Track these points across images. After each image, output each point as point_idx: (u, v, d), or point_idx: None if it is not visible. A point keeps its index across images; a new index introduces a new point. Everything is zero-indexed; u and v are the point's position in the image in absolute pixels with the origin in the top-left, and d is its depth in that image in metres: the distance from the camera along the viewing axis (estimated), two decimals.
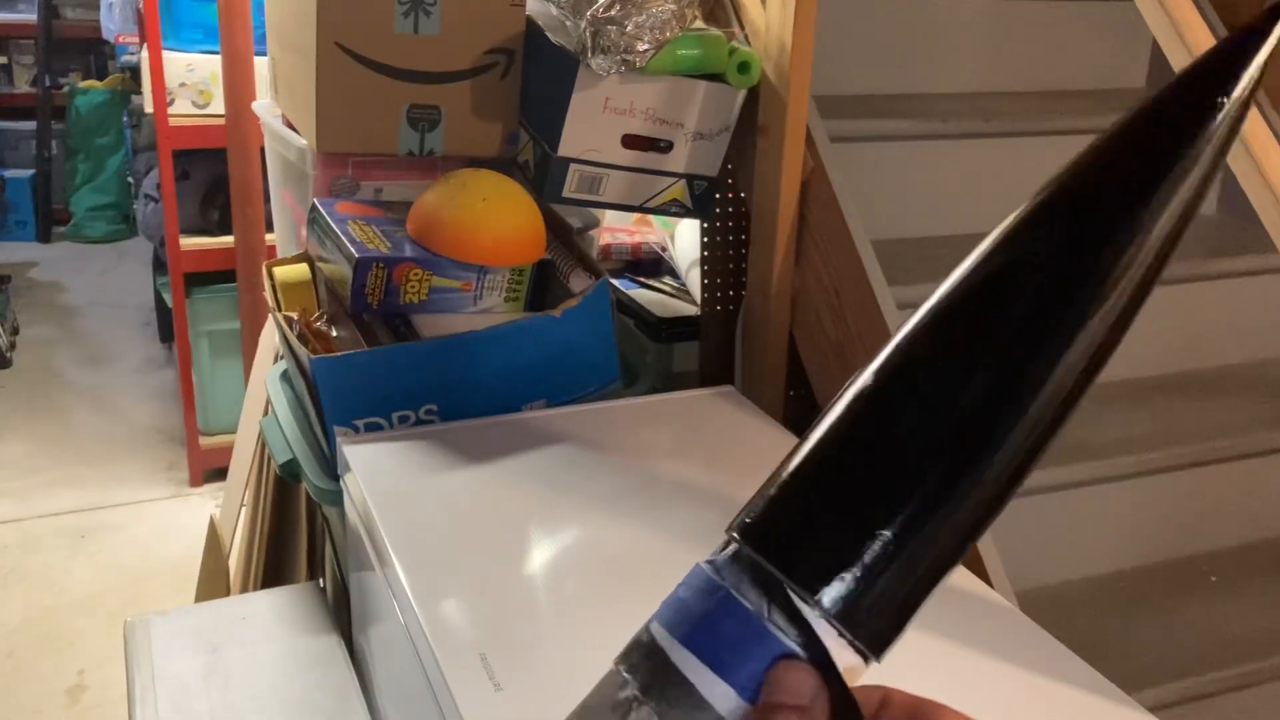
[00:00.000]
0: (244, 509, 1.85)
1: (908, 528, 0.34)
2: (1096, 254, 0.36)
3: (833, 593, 0.34)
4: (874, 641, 0.35)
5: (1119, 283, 0.35)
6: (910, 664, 0.87)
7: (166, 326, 3.61)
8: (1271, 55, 0.35)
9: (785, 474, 0.36)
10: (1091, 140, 0.37)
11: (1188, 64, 0.36)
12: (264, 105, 1.85)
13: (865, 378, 0.37)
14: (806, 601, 0.34)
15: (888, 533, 0.34)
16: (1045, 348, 0.35)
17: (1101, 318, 0.35)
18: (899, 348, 0.37)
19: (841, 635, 0.35)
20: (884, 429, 0.35)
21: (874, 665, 0.36)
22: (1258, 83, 0.35)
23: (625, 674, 0.37)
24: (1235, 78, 0.35)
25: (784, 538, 0.35)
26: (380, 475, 1.12)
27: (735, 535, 0.36)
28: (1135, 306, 0.36)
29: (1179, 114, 0.36)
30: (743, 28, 1.47)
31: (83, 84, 4.90)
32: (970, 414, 0.35)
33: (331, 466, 1.24)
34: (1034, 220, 0.39)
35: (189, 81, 2.71)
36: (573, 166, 1.41)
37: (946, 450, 0.35)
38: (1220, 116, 0.35)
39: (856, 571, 0.34)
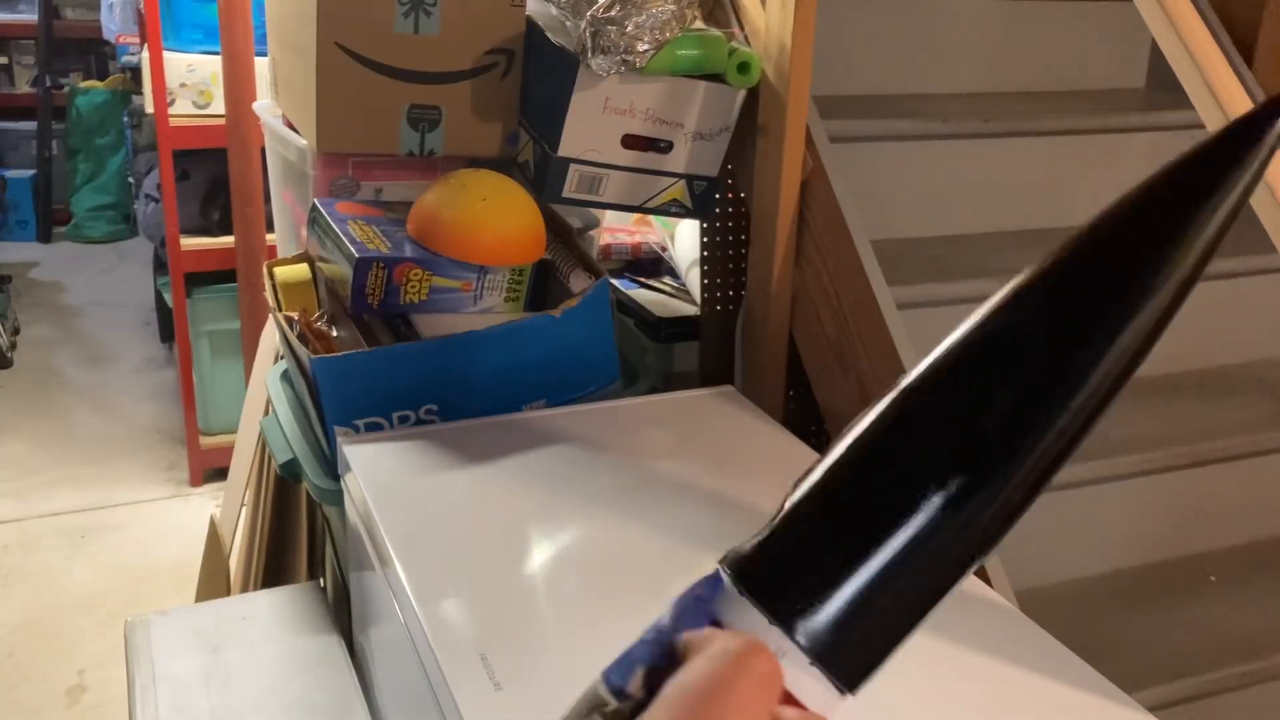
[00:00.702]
0: (244, 509, 1.85)
1: (888, 571, 0.36)
2: (1096, 325, 0.37)
3: (808, 628, 0.36)
4: (848, 677, 0.37)
5: (1120, 346, 0.37)
6: (910, 664, 0.87)
7: (167, 326, 3.61)
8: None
9: (780, 512, 0.39)
10: (1107, 206, 0.38)
11: (1208, 137, 0.37)
12: (264, 105, 1.85)
13: (864, 421, 0.38)
14: (781, 629, 0.36)
15: (867, 574, 0.36)
16: (1046, 404, 0.36)
17: (1099, 380, 0.37)
18: (895, 400, 0.38)
19: (815, 665, 0.36)
20: (874, 470, 0.37)
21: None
22: (1265, 164, 0.37)
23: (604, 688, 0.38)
24: (1260, 142, 0.36)
25: (766, 572, 0.37)
26: (380, 475, 1.12)
27: (722, 565, 0.38)
28: (1134, 366, 0.38)
29: (1178, 195, 0.38)
30: (743, 28, 1.47)
31: (83, 84, 4.90)
32: (964, 459, 0.36)
33: (332, 466, 1.24)
34: (1034, 285, 0.40)
35: (189, 82, 2.71)
36: (573, 166, 1.41)
37: (935, 491, 0.36)
38: (1222, 203, 0.37)
39: (831, 610, 0.36)
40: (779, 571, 0.37)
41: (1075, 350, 0.37)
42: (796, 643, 0.36)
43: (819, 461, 0.39)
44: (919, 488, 0.36)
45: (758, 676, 0.34)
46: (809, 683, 0.36)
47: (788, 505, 0.39)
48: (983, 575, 1.17)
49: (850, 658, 0.37)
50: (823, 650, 0.36)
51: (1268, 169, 0.37)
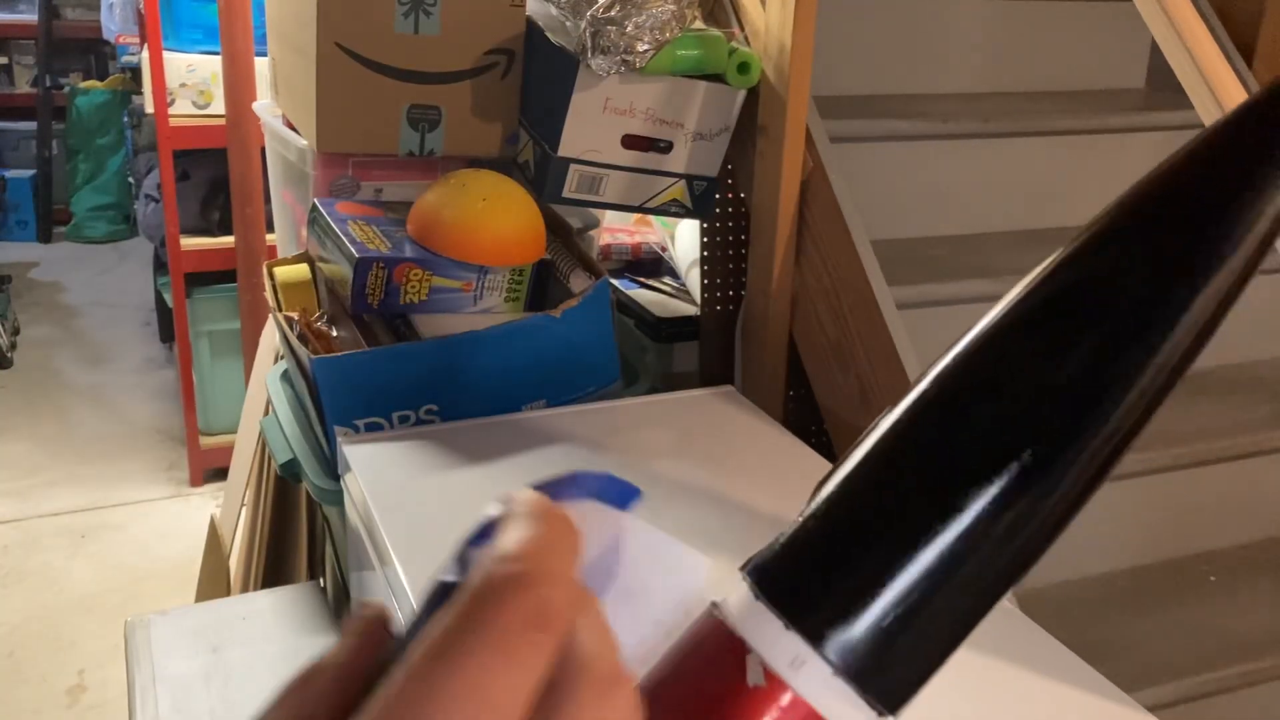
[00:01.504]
0: (244, 509, 1.85)
1: (933, 578, 0.32)
2: (1183, 268, 0.32)
3: (839, 645, 0.32)
4: (888, 698, 0.33)
5: (1198, 298, 0.32)
6: None
7: (167, 326, 3.61)
8: None
9: (807, 511, 0.34)
10: (1182, 146, 0.34)
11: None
12: (264, 105, 1.85)
13: (899, 410, 0.34)
14: (817, 654, 0.32)
15: (909, 583, 0.32)
16: (1109, 391, 0.32)
17: (1189, 321, 0.32)
18: (935, 382, 0.33)
19: (851, 688, 0.32)
20: (912, 467, 0.33)
21: None
22: None
23: None
24: None
25: (796, 583, 0.33)
26: (380, 475, 1.12)
27: (752, 581, 0.34)
28: (1213, 327, 0.33)
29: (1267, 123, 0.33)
30: (743, 28, 1.47)
31: (83, 84, 4.90)
32: (1019, 447, 0.32)
33: (332, 466, 1.24)
34: (1096, 244, 0.34)
35: (189, 82, 2.71)
36: (573, 166, 1.41)
37: (982, 496, 0.32)
38: None
39: (869, 621, 0.32)
40: (807, 579, 0.32)
41: (1156, 307, 0.32)
42: (828, 661, 0.32)
43: (853, 451, 0.34)
44: (972, 476, 0.32)
45: (520, 621, 0.27)
46: (840, 706, 0.32)
47: (817, 503, 0.34)
48: None
49: (890, 676, 0.33)
50: (859, 668, 0.32)
51: None
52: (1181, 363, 0.32)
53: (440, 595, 0.29)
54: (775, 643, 0.32)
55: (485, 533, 0.30)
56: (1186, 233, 0.33)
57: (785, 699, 0.32)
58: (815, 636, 0.32)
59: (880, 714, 0.33)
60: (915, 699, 0.35)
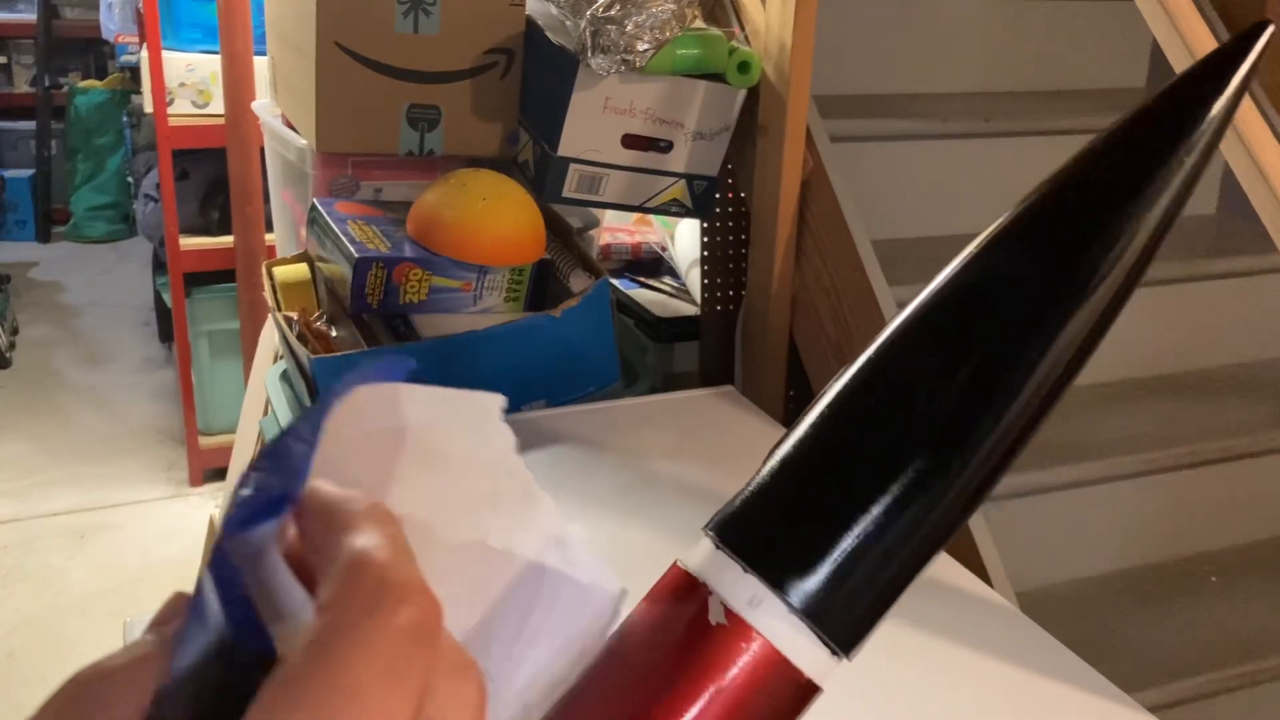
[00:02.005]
0: None
1: (880, 527, 0.35)
2: (1079, 258, 0.37)
3: (801, 589, 0.35)
4: (844, 638, 0.36)
5: (1099, 287, 0.36)
6: (911, 664, 0.87)
7: (166, 326, 3.61)
8: (1254, 67, 0.37)
9: (762, 471, 0.38)
10: (1083, 145, 0.39)
11: (1177, 76, 0.38)
12: (264, 105, 1.85)
13: (846, 376, 0.37)
14: (778, 598, 0.35)
15: (859, 530, 0.35)
16: (1024, 354, 0.35)
17: (1081, 322, 0.36)
18: (880, 349, 0.37)
19: (810, 630, 0.35)
20: (861, 427, 0.36)
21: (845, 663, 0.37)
22: (1240, 95, 0.37)
23: None
24: (1219, 91, 0.37)
25: (754, 533, 0.36)
26: None
27: (713, 533, 0.37)
28: (1115, 310, 0.37)
29: (1161, 124, 0.38)
30: (743, 28, 1.47)
31: (82, 84, 4.90)
32: (949, 414, 0.35)
33: None
34: (1016, 228, 0.40)
35: (189, 81, 2.71)
36: (573, 166, 1.41)
37: (921, 451, 0.35)
38: (1202, 128, 0.37)
39: (826, 568, 0.35)
40: (763, 529, 0.36)
41: (1061, 286, 0.37)
42: (790, 604, 0.35)
43: (803, 417, 0.38)
44: (907, 443, 0.35)
45: (405, 639, 0.27)
46: (797, 641, 0.35)
47: (772, 462, 0.38)
48: (983, 575, 1.17)
49: (843, 618, 0.36)
50: (814, 608, 0.35)
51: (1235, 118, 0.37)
52: (1071, 360, 0.36)
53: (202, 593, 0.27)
54: (735, 585, 0.35)
55: (247, 518, 0.28)
56: (1067, 247, 0.37)
57: (745, 636, 0.35)
58: (772, 579, 0.35)
59: (834, 653, 0.36)
60: (867, 640, 0.37)
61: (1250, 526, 1.63)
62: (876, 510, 0.35)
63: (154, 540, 2.72)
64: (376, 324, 1.36)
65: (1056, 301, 0.36)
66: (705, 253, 1.57)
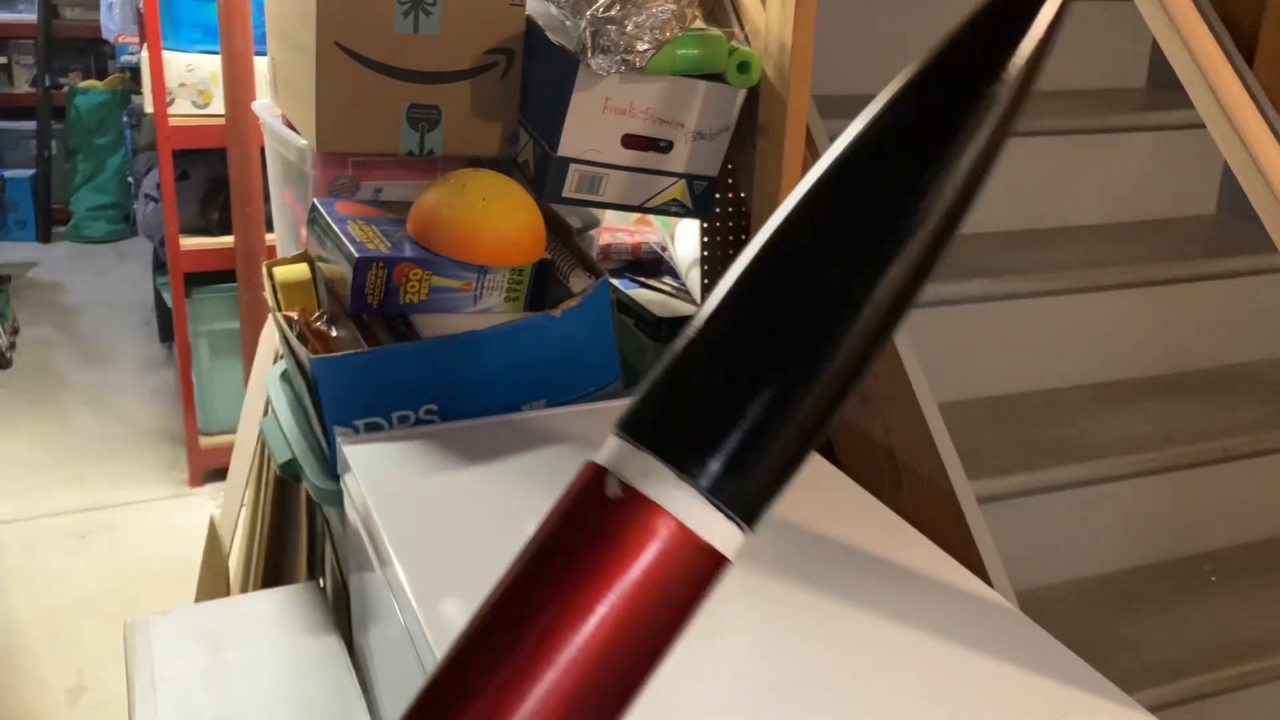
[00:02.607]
0: (244, 509, 1.85)
1: (772, 411, 0.38)
2: (906, 199, 0.41)
3: (706, 470, 0.38)
4: (746, 511, 0.39)
5: (927, 224, 0.41)
6: (912, 664, 0.87)
7: (166, 326, 3.61)
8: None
9: (659, 368, 0.41)
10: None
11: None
12: (264, 105, 1.85)
13: (725, 279, 0.41)
14: (685, 482, 0.38)
15: (754, 410, 0.38)
16: (870, 265, 0.40)
17: (937, 211, 0.41)
18: (753, 261, 0.41)
19: (716, 507, 0.38)
20: (744, 325, 0.40)
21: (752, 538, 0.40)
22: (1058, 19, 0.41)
23: None
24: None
25: (658, 425, 0.40)
26: (380, 475, 1.12)
27: (616, 429, 0.41)
28: (943, 241, 0.42)
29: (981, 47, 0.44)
30: (743, 28, 1.47)
31: (83, 84, 4.90)
32: (821, 299, 0.39)
33: (331, 466, 1.24)
34: (841, 169, 0.43)
35: (189, 81, 2.71)
36: (573, 166, 1.41)
37: (800, 334, 0.39)
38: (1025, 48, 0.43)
39: (726, 450, 0.38)
40: (668, 422, 0.40)
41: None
42: (696, 486, 0.38)
43: (694, 316, 0.41)
44: (784, 337, 0.39)
45: None
46: (711, 521, 0.38)
47: (668, 359, 0.41)
48: (983, 575, 1.17)
49: (745, 495, 0.39)
50: (720, 490, 0.38)
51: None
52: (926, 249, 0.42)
53: None
54: (644, 472, 0.39)
55: None
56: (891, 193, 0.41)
57: (656, 517, 0.38)
58: (678, 464, 0.38)
59: (739, 526, 0.39)
60: (766, 514, 0.40)
61: (1250, 526, 1.63)
62: (765, 398, 0.38)
63: (154, 540, 2.72)
64: (377, 324, 1.36)
65: (891, 233, 0.40)
66: (705, 253, 1.56)
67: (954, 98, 0.42)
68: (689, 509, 0.38)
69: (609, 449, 0.41)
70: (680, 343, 0.41)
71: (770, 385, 0.39)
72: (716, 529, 0.39)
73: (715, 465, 0.38)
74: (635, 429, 0.40)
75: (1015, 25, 0.41)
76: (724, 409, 0.39)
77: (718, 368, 0.40)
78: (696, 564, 0.39)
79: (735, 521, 0.39)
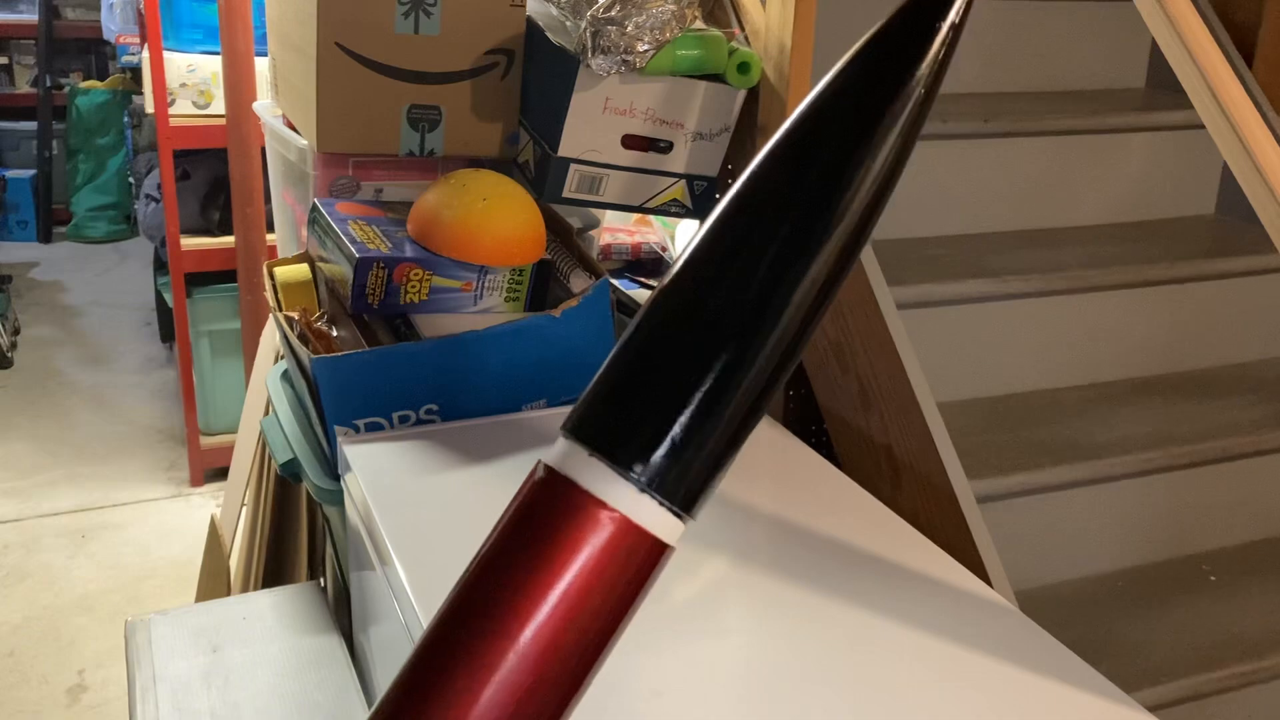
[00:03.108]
0: (245, 509, 1.85)
1: (705, 407, 0.42)
2: (828, 183, 0.43)
3: (643, 464, 0.42)
4: (684, 501, 0.42)
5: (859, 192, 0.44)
6: (912, 664, 0.88)
7: (167, 326, 3.61)
8: None
9: (601, 372, 0.45)
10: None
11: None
12: (264, 105, 1.85)
13: (654, 293, 0.44)
14: (626, 477, 0.42)
15: (686, 414, 0.42)
16: (793, 265, 0.42)
17: (830, 251, 0.43)
18: (681, 267, 0.43)
19: (654, 499, 0.42)
20: (675, 331, 0.43)
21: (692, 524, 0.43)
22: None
23: None
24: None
25: (597, 424, 0.44)
26: (381, 475, 1.13)
27: (562, 429, 0.45)
28: (877, 203, 0.44)
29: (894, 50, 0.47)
30: (743, 28, 1.47)
31: (83, 84, 4.90)
32: (744, 307, 0.42)
33: (332, 466, 1.24)
34: (771, 159, 0.45)
35: (190, 82, 2.71)
36: (573, 166, 1.41)
37: (724, 344, 0.42)
38: (939, 37, 0.46)
39: (659, 445, 0.42)
40: (610, 423, 0.43)
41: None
42: (639, 483, 0.41)
43: (629, 327, 0.44)
44: (711, 339, 0.42)
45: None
46: (654, 513, 0.42)
47: (607, 363, 0.45)
48: (983, 575, 1.17)
49: (681, 487, 0.42)
50: (659, 483, 0.42)
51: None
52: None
53: None
54: (589, 471, 0.42)
55: None
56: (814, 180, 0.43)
57: (601, 511, 0.41)
58: (619, 462, 0.42)
59: (678, 515, 0.42)
60: (704, 502, 0.43)
61: (1250, 526, 1.63)
62: (696, 398, 0.42)
63: (155, 540, 2.72)
64: (377, 324, 1.37)
65: (808, 228, 0.43)
66: None
67: (875, 90, 0.46)
68: (629, 501, 0.41)
69: (556, 449, 0.44)
70: (615, 348, 0.44)
71: (700, 384, 0.42)
72: (656, 518, 0.42)
73: (652, 460, 0.41)
74: (577, 429, 0.44)
75: (925, 28, 0.46)
76: (655, 407, 0.42)
77: (648, 369, 0.43)
78: (638, 553, 0.42)
79: (673, 511, 0.42)
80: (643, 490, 0.42)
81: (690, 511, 0.43)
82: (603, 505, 0.42)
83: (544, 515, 0.42)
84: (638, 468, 0.42)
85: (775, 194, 0.43)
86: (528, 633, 0.41)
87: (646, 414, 0.42)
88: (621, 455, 0.42)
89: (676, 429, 0.42)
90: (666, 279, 0.44)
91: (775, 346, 0.42)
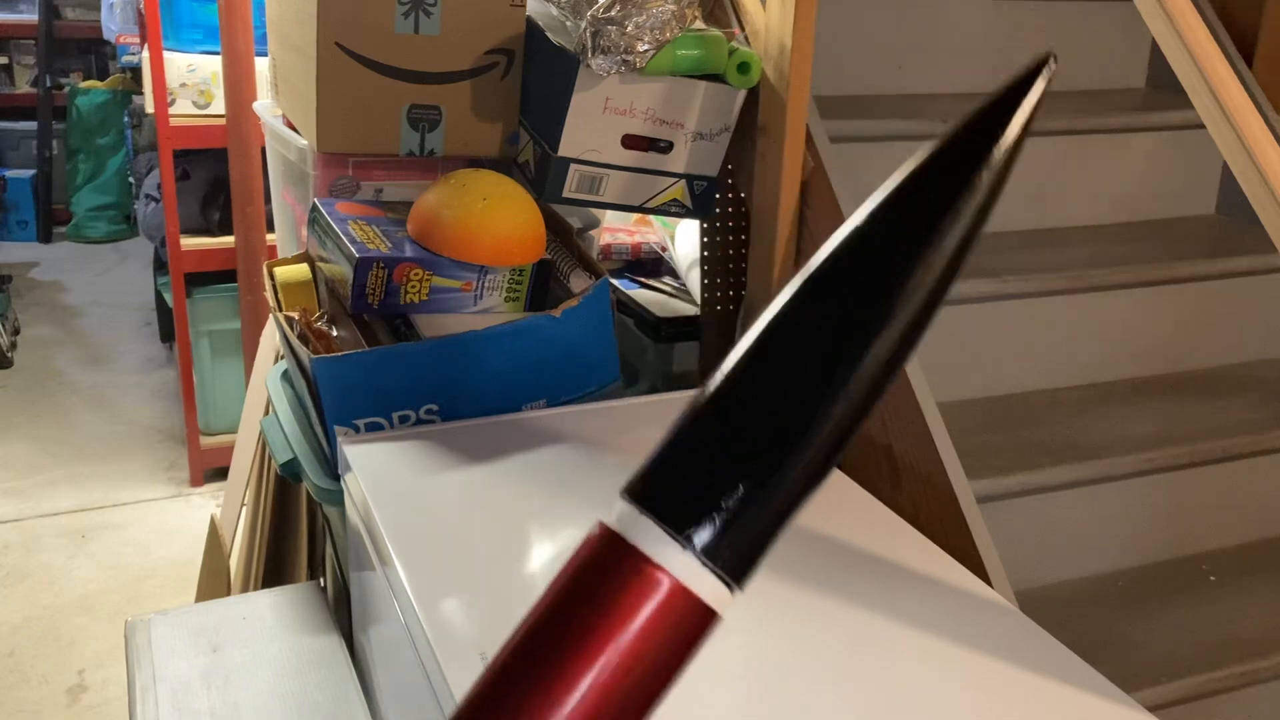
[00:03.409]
0: (245, 509, 1.85)
1: (759, 485, 0.44)
2: (878, 302, 0.44)
3: (701, 535, 0.43)
4: (735, 572, 0.44)
5: (918, 289, 0.44)
6: (912, 664, 0.88)
7: (167, 326, 3.61)
8: (1039, 103, 0.43)
9: (664, 441, 0.46)
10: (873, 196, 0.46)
11: (971, 109, 0.44)
12: (264, 105, 1.85)
13: (729, 357, 0.46)
14: (685, 546, 0.43)
15: (744, 488, 0.44)
16: (857, 344, 0.44)
17: (885, 345, 0.44)
18: (740, 361, 0.45)
19: (708, 568, 0.43)
20: (738, 400, 0.45)
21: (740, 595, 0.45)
22: (1028, 126, 0.43)
23: None
24: (1006, 124, 0.44)
25: (660, 492, 0.45)
26: (381, 475, 1.13)
27: (624, 494, 0.46)
28: (916, 335, 0.44)
29: (954, 163, 0.44)
30: (743, 28, 1.47)
31: (83, 84, 4.90)
32: (802, 392, 0.44)
33: (332, 466, 1.24)
34: (818, 278, 0.46)
35: (190, 82, 2.71)
36: (573, 166, 1.41)
37: (786, 420, 0.44)
38: (995, 157, 0.43)
39: (719, 517, 0.44)
40: (671, 491, 0.45)
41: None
42: (694, 549, 0.43)
43: (701, 388, 0.46)
44: (767, 427, 0.44)
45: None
46: (705, 580, 0.44)
47: (671, 433, 0.46)
48: (983, 575, 1.17)
49: (735, 558, 0.44)
50: (714, 553, 0.44)
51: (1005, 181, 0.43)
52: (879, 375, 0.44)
53: None
54: (635, 524, 0.44)
55: None
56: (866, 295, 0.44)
57: (658, 576, 0.44)
58: (678, 529, 0.43)
59: (729, 586, 0.44)
60: (754, 574, 0.45)
61: (1250, 526, 1.63)
62: (754, 475, 0.44)
63: (155, 540, 2.72)
64: (377, 324, 1.37)
65: (860, 333, 0.44)
66: (705, 253, 1.57)
67: (937, 198, 0.45)
68: (686, 569, 0.43)
69: (617, 512, 0.46)
70: (683, 415, 0.46)
71: (757, 465, 0.44)
72: (709, 587, 0.44)
73: (709, 530, 0.44)
74: (640, 495, 0.45)
75: (995, 125, 0.44)
76: (717, 481, 0.44)
77: (713, 444, 0.45)
78: (691, 619, 0.44)
79: (725, 581, 0.44)
80: (698, 558, 0.44)
81: (740, 583, 0.45)
82: (662, 571, 0.44)
83: (605, 575, 0.45)
84: (697, 537, 0.44)
85: (846, 272, 0.45)
86: (581, 686, 0.44)
87: (707, 486, 0.45)
88: (682, 524, 0.44)
89: (736, 502, 0.44)
90: (740, 350, 0.46)
91: (837, 425, 0.44)
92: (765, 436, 0.45)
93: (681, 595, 0.44)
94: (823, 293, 0.46)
